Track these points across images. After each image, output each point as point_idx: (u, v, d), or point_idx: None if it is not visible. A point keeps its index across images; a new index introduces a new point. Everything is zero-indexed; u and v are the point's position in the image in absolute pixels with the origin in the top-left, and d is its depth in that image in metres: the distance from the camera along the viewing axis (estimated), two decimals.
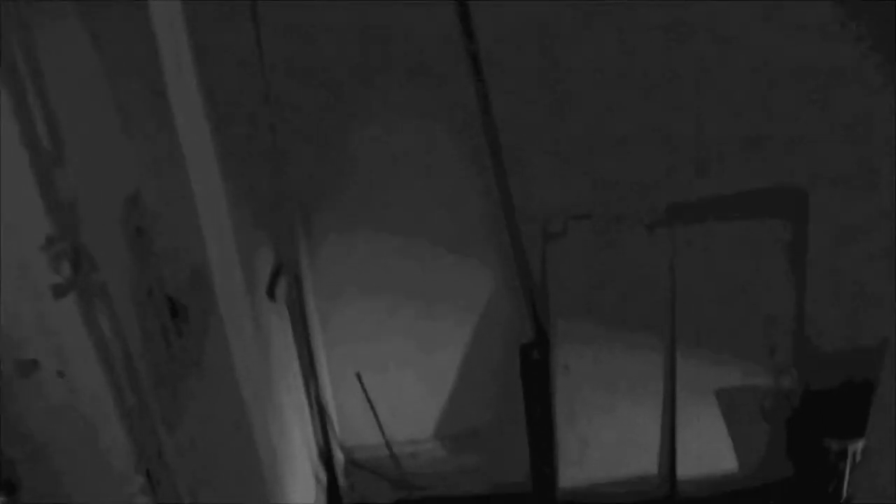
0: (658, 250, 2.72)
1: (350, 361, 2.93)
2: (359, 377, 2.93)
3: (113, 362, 1.10)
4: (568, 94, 2.55)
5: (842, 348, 2.92)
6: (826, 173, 2.66)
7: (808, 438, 2.86)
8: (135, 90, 1.40)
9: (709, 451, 2.91)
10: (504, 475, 3.06)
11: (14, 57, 0.95)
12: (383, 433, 2.99)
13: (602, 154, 2.62)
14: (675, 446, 2.90)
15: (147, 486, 1.18)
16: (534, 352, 2.85)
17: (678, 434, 2.88)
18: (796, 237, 2.73)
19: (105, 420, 1.09)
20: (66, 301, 1.01)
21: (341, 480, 2.98)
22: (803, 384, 2.87)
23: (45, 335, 1.02)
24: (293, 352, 2.67)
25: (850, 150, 2.63)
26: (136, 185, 1.30)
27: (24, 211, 0.97)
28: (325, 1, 2.39)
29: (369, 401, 2.94)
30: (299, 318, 2.69)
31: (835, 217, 2.71)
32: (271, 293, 2.37)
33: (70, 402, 1.06)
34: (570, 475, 2.95)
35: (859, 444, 2.75)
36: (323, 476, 2.91)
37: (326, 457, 2.94)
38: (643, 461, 2.95)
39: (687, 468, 2.91)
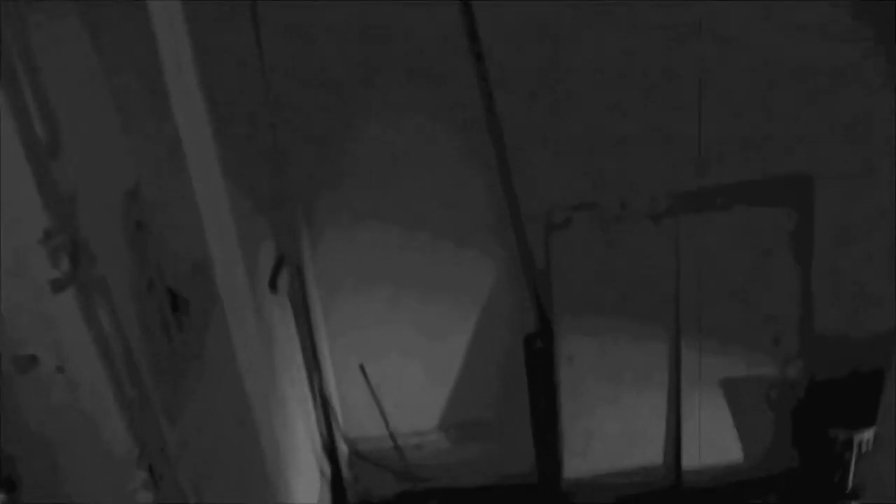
0: (662, 240, 2.71)
1: (353, 353, 2.92)
2: (362, 368, 2.92)
3: (113, 357, 1.09)
4: (568, 94, 2.55)
5: (847, 338, 2.90)
6: (826, 173, 2.66)
7: (814, 428, 2.85)
8: (134, 85, 1.38)
9: (714, 442, 2.90)
10: (508, 466, 3.05)
11: (10, 52, 0.94)
12: (387, 425, 2.98)
13: (602, 154, 2.63)
14: (680, 437, 2.89)
15: (149, 480, 1.17)
16: (538, 342, 2.84)
17: (683, 424, 2.88)
18: (801, 226, 2.71)
19: (105, 415, 1.08)
20: (64, 296, 1.00)
21: (345, 472, 2.98)
22: (809, 374, 2.86)
23: (44, 330, 1.00)
24: (296, 344, 2.66)
25: (850, 150, 2.64)
26: (136, 179, 1.29)
27: (21, 204, 0.96)
28: (326, 1, 2.39)
29: (373, 392, 2.93)
30: (302, 309, 2.68)
31: (835, 216, 2.71)
32: (273, 285, 2.36)
33: (70, 397, 1.05)
34: (575, 466, 2.94)
35: (865, 434, 2.74)
36: (327, 468, 2.91)
37: (330, 449, 2.93)
38: (648, 452, 2.95)
39: (692, 459, 2.91)
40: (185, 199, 1.57)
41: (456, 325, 2.91)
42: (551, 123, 2.58)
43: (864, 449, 2.75)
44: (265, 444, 1.82)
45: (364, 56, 2.49)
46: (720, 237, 2.71)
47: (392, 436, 3.00)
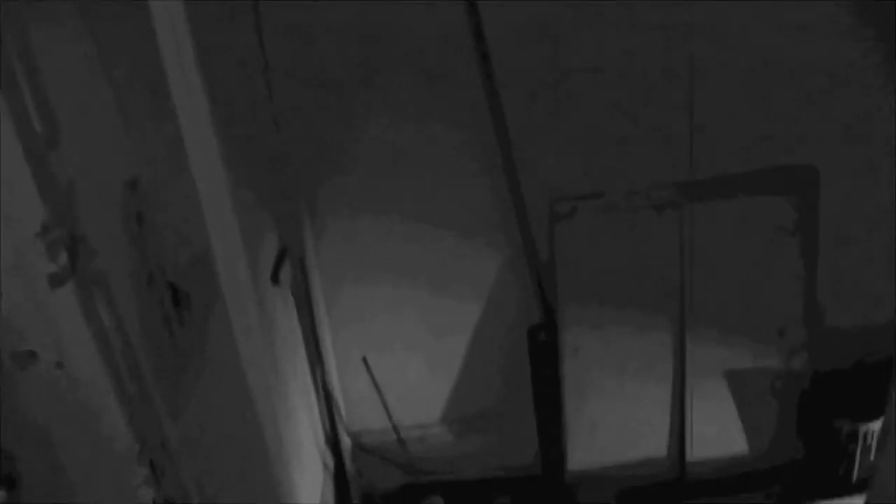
0: (667, 231, 2.69)
1: (356, 345, 2.91)
2: (365, 361, 2.91)
3: (113, 352, 1.07)
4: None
5: (852, 329, 2.89)
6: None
7: (819, 420, 2.84)
8: (134, 79, 1.37)
9: (718, 433, 2.89)
10: (512, 458, 3.05)
11: (9, 45, 0.92)
12: (390, 417, 2.97)
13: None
14: (685, 428, 2.88)
15: (150, 476, 1.16)
16: (542, 334, 2.83)
17: (688, 416, 2.86)
18: (806, 216, 2.70)
19: (106, 411, 1.07)
20: (63, 290, 0.99)
21: (348, 465, 2.97)
22: (813, 365, 2.84)
23: (42, 326, 0.99)
24: (298, 337, 2.65)
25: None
26: (136, 171, 1.27)
27: (18, 198, 0.94)
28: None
29: (376, 385, 2.93)
30: (304, 302, 2.68)
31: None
32: (276, 278, 2.34)
33: (70, 393, 1.03)
34: (579, 458, 2.93)
35: (870, 426, 2.73)
36: (330, 461, 2.90)
37: (333, 442, 2.93)
38: (652, 443, 2.94)
39: (696, 450, 2.90)
40: (187, 192, 1.56)
41: (459, 317, 2.90)
42: (551, 123, 2.58)
43: (869, 440, 2.75)
44: (268, 439, 1.81)
45: (364, 56, 2.49)
46: (725, 227, 2.70)
47: (395, 429, 2.99)
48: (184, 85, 1.48)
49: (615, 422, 2.89)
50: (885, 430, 2.07)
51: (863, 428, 2.73)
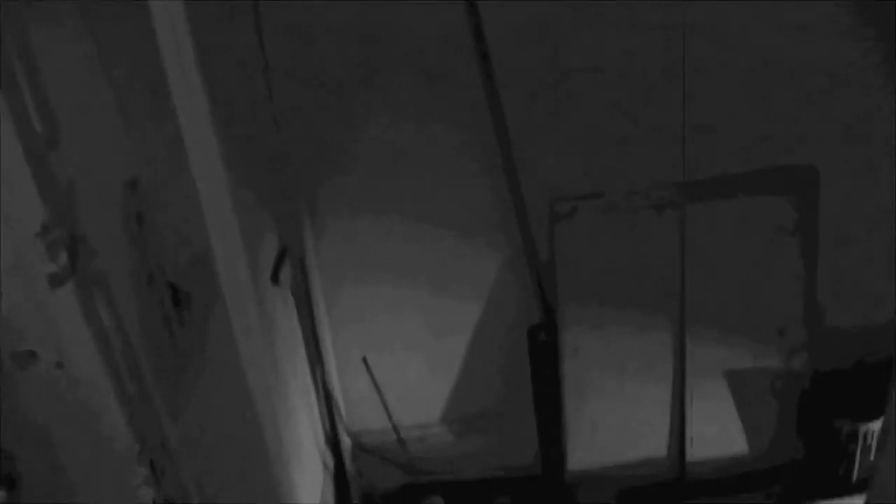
0: (667, 230, 2.69)
1: (356, 345, 2.91)
2: (365, 361, 2.91)
3: (113, 352, 1.07)
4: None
5: (852, 329, 2.88)
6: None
7: (819, 420, 2.84)
8: (133, 78, 1.37)
9: (718, 433, 2.89)
10: (512, 458, 3.04)
11: (7, 44, 0.92)
12: (390, 417, 2.97)
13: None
14: (685, 428, 2.88)
15: (150, 476, 1.16)
16: (542, 334, 2.83)
17: (688, 416, 2.86)
18: (807, 216, 2.69)
19: (106, 411, 1.07)
20: (63, 290, 0.99)
21: (348, 465, 2.97)
22: (814, 365, 2.84)
23: (42, 326, 0.99)
24: (298, 337, 2.65)
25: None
26: (136, 171, 1.27)
27: (18, 198, 0.94)
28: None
29: (376, 385, 2.92)
30: (304, 302, 2.67)
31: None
32: (276, 278, 2.34)
33: (70, 393, 1.03)
34: (579, 458, 2.93)
35: (870, 426, 2.73)
36: (330, 461, 2.90)
37: (333, 442, 2.92)
38: (652, 443, 2.93)
39: (696, 450, 2.90)
40: (187, 192, 1.55)
41: (459, 316, 2.89)
42: (551, 123, 2.58)
43: (869, 440, 2.74)
44: (268, 439, 1.81)
45: (364, 56, 2.48)
46: (725, 227, 2.69)
47: (395, 429, 2.99)
48: (184, 85, 1.48)
49: (615, 422, 2.89)
50: (885, 431, 2.07)
51: (863, 428, 2.73)
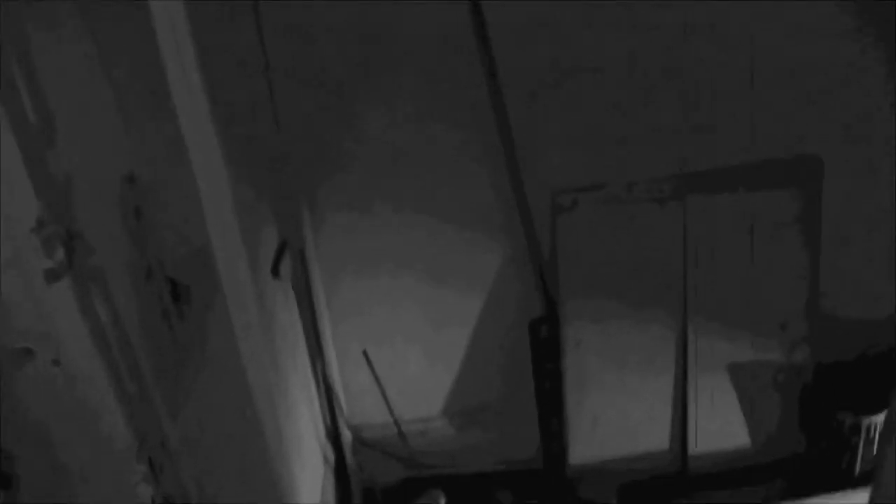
0: (670, 223, 2.68)
1: (357, 339, 2.90)
2: (366, 355, 2.90)
3: (111, 348, 1.06)
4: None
5: (854, 322, 2.89)
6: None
7: (821, 413, 2.83)
8: (135, 77, 1.35)
9: (720, 427, 2.88)
10: (514, 452, 3.04)
11: (5, 44, 0.91)
12: (391, 411, 2.96)
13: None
14: (687, 422, 2.87)
15: (149, 474, 1.14)
16: (543, 327, 2.82)
17: (690, 409, 2.85)
18: (809, 209, 2.68)
19: (104, 409, 1.06)
20: (59, 286, 0.97)
21: (349, 460, 2.97)
22: (816, 358, 2.83)
23: (38, 323, 0.97)
24: (299, 330, 2.64)
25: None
26: (134, 164, 1.25)
27: (12, 192, 0.93)
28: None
29: (377, 379, 2.91)
30: (305, 295, 2.66)
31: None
32: (276, 271, 2.33)
33: (67, 390, 1.02)
34: (581, 452, 2.92)
35: (873, 419, 2.72)
36: (330, 455, 2.89)
37: (334, 436, 2.92)
38: (654, 437, 2.93)
39: (698, 444, 2.89)
40: (186, 186, 1.54)
41: (460, 309, 2.88)
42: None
43: (871, 433, 2.74)
44: (269, 435, 1.80)
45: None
46: (727, 220, 2.68)
47: (396, 422, 2.98)
48: (184, 84, 1.46)
49: (617, 415, 2.88)
50: (889, 425, 2.06)
51: (865, 421, 2.73)
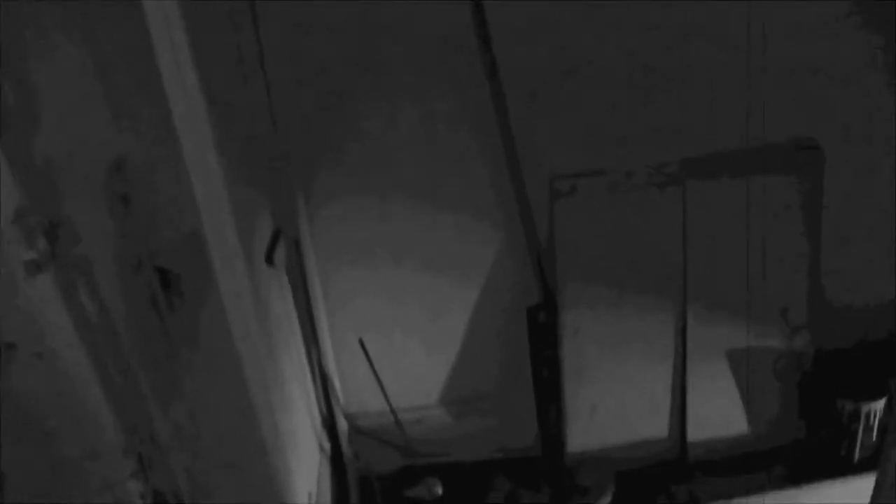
0: (669, 209, 2.65)
1: (352, 327, 2.87)
2: (362, 343, 2.87)
3: (96, 341, 1.02)
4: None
5: (855, 308, 2.88)
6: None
7: (821, 399, 2.83)
8: (121, 56, 1.31)
9: (720, 414, 2.87)
10: (512, 440, 3.03)
11: None
12: (388, 400, 2.94)
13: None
14: (686, 408, 2.86)
15: (138, 469, 1.11)
16: (541, 314, 2.80)
17: (689, 396, 2.84)
18: (810, 195, 2.66)
19: (90, 403, 1.02)
20: (42, 278, 0.93)
21: (345, 448, 2.95)
22: (816, 344, 2.82)
23: (21, 315, 0.94)
24: (294, 319, 2.62)
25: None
26: (121, 150, 1.22)
27: None
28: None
29: (373, 367, 2.89)
30: (300, 284, 2.64)
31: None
32: (270, 259, 2.31)
33: (51, 385, 0.98)
34: (579, 439, 2.91)
35: (872, 405, 2.72)
36: (327, 444, 2.88)
37: (330, 425, 2.90)
38: (653, 424, 2.92)
39: (698, 431, 2.88)
40: (176, 171, 1.50)
41: (457, 297, 2.86)
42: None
43: (871, 420, 2.74)
44: (264, 425, 1.77)
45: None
46: (727, 205, 2.66)
47: (393, 411, 2.96)
48: (178, 80, 1.43)
49: (615, 403, 2.87)
50: (889, 425, 2.04)
51: (865, 408, 2.72)
